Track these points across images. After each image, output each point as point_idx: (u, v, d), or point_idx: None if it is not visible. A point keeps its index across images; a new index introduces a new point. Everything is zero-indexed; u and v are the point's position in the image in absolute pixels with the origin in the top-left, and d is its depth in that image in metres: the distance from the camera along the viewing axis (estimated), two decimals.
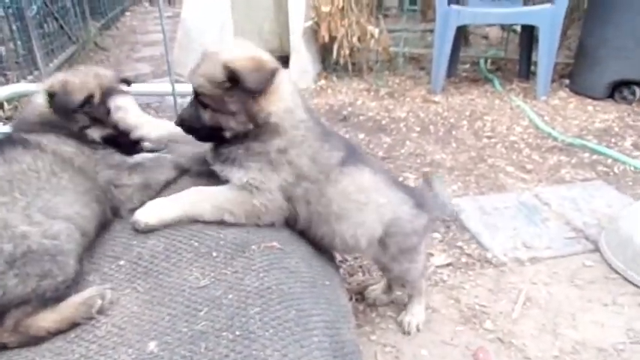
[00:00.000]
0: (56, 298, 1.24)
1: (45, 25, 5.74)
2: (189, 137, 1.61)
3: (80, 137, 1.60)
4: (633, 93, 4.38)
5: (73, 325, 1.21)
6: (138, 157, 1.71)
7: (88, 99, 1.60)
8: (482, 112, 4.41)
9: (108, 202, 1.56)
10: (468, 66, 5.63)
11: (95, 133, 1.63)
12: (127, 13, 10.89)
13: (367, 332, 2.02)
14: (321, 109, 4.51)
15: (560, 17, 4.33)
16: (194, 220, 1.49)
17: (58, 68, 5.14)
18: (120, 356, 1.13)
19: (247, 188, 1.50)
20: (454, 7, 4.50)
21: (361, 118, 4.35)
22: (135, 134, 1.69)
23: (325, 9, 4.82)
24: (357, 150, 1.78)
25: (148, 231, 1.46)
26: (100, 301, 1.24)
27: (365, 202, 1.67)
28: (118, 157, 1.65)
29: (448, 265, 2.46)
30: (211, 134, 1.54)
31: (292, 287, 1.34)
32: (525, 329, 2.05)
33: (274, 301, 1.26)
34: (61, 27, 6.29)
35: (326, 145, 1.60)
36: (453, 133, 4.01)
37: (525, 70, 5.10)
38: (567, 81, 4.88)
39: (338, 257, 2.14)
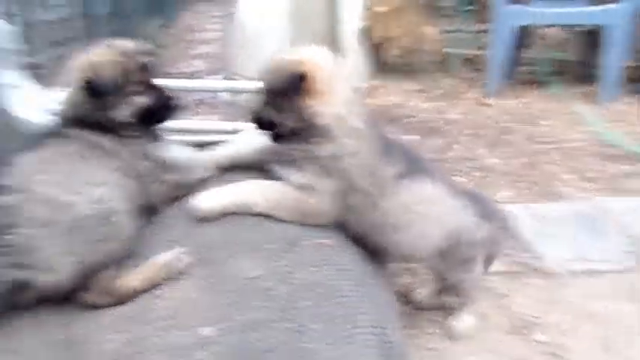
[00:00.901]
0: (128, 256, 1.37)
1: (111, 24, 6.08)
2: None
3: (113, 130, 1.59)
4: None
5: (155, 286, 1.33)
6: (173, 154, 1.74)
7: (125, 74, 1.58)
8: (538, 116, 4.24)
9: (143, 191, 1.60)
10: (525, 68, 5.41)
11: (125, 112, 1.58)
12: (186, 12, 11.31)
13: (412, 335, 2.01)
14: (372, 109, 4.50)
15: (629, 18, 4.08)
16: (248, 212, 1.55)
17: None
18: (176, 338, 1.20)
19: (305, 188, 1.54)
20: (513, 6, 4.35)
21: (412, 119, 4.30)
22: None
23: (380, 9, 4.80)
24: (419, 159, 1.77)
25: (204, 218, 1.53)
26: (178, 263, 1.35)
27: (425, 214, 1.66)
28: (154, 152, 1.67)
29: (498, 272, 2.39)
30: (274, 130, 1.63)
31: (342, 284, 1.36)
32: (579, 344, 1.96)
33: (324, 296, 1.29)
34: (125, 26, 6.64)
35: (383, 159, 1.60)
36: (507, 137, 3.88)
37: (588, 74, 4.83)
38: (634, 86, 4.58)
39: None
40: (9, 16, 3.57)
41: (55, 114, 1.66)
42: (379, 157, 1.61)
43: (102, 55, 1.58)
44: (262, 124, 1.65)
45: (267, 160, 1.67)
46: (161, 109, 1.67)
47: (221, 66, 5.95)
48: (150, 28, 7.57)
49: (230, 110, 4.52)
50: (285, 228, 1.53)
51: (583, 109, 4.24)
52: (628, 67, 4.72)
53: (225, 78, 5.12)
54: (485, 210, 1.82)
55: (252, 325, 1.20)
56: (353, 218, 1.61)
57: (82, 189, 1.36)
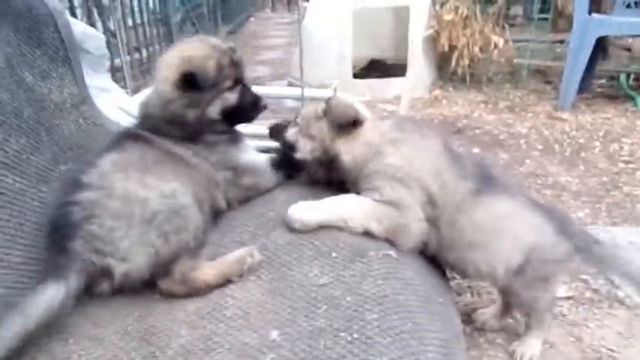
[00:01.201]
0: (199, 246, 1.46)
1: (183, 29, 6.42)
2: None
3: (194, 134, 1.61)
4: None
5: (228, 281, 1.38)
6: (251, 158, 1.77)
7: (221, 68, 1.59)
8: (619, 133, 3.95)
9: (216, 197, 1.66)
10: (604, 81, 5.07)
11: (216, 108, 1.60)
12: (252, 19, 11.70)
13: (475, 358, 1.92)
14: (434, 119, 4.40)
15: None
16: (342, 227, 1.54)
17: None
18: (245, 339, 1.22)
19: (391, 204, 1.54)
20: (596, 15, 4.09)
21: (477, 131, 4.16)
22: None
23: (448, 17, 4.70)
24: (493, 174, 1.73)
25: (298, 230, 1.52)
26: (250, 259, 1.39)
27: (502, 231, 1.62)
28: (233, 157, 1.69)
29: (569, 298, 2.23)
30: (283, 151, 1.78)
31: (408, 299, 1.33)
32: None
33: (391, 310, 1.26)
34: (197, 31, 6.98)
35: (454, 171, 1.60)
36: (582, 154, 3.65)
37: None
38: None
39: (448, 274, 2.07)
40: (91, 24, 3.86)
41: (135, 115, 1.73)
42: (448, 168, 1.60)
43: (198, 49, 1.58)
44: (288, 147, 1.75)
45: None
46: (249, 107, 1.68)
47: (285, 72, 6.09)
48: (218, 34, 7.90)
49: (294, 116, 4.61)
50: (351, 236, 1.52)
51: None
52: None
53: (289, 84, 5.23)
54: (565, 227, 1.72)
55: (318, 332, 1.20)
56: (433, 235, 1.60)
57: (155, 185, 1.43)
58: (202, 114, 1.58)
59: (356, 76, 5.09)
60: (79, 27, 2.07)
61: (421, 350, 1.18)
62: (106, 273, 1.35)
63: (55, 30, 1.91)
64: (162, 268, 1.37)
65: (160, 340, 1.24)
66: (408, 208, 1.54)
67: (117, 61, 3.95)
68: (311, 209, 1.54)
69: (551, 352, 1.94)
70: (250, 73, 6.61)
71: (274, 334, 1.22)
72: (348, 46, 4.89)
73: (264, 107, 1.72)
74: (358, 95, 4.01)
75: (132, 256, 1.35)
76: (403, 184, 1.55)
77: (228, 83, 1.61)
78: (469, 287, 2.34)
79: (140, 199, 1.39)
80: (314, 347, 1.16)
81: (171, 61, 1.58)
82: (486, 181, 1.62)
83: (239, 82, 1.65)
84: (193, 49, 1.59)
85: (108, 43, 3.76)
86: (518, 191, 1.78)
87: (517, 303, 1.87)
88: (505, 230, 1.62)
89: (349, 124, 1.64)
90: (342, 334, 1.19)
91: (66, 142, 1.78)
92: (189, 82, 1.53)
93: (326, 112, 1.66)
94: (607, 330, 2.05)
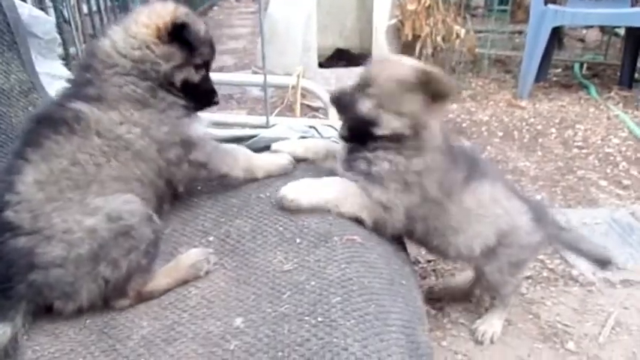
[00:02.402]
0: (153, 257, 1.33)
1: None
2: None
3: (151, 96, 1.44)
4: None
5: (185, 283, 1.35)
6: (207, 132, 1.60)
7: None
8: (573, 120, 4.11)
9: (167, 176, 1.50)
10: (560, 70, 5.26)
11: (180, 76, 1.49)
12: (215, 8, 11.44)
13: (438, 337, 1.98)
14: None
15: None
16: (331, 210, 1.52)
17: None
18: (209, 327, 1.21)
19: (381, 206, 1.53)
20: (551, 6, 4.23)
21: None
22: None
23: (411, 7, 4.74)
24: (478, 160, 1.78)
25: (287, 209, 1.50)
26: (206, 265, 1.36)
27: (484, 215, 1.68)
28: (184, 129, 1.50)
29: (527, 278, 2.32)
30: (356, 127, 1.56)
31: (372, 282, 1.34)
32: (613, 356, 1.89)
33: (355, 292, 1.27)
34: None
35: (452, 166, 1.61)
36: (540, 140, 3.78)
37: (627, 78, 4.67)
38: None
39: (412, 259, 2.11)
40: (43, 9, 3.67)
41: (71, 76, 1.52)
42: (450, 167, 1.61)
43: (189, 12, 1.53)
44: (363, 123, 1.54)
45: (345, 166, 1.61)
46: (203, 95, 1.59)
47: (249, 61, 6.00)
48: None
49: (258, 106, 4.56)
50: (315, 222, 1.51)
51: (622, 113, 4.09)
52: None
53: (253, 74, 5.15)
54: (540, 215, 1.82)
55: (282, 317, 1.20)
56: (418, 227, 1.63)
57: (100, 206, 1.27)
58: (176, 70, 1.47)
59: (322, 65, 5.07)
60: (25, 10, 1.96)
61: (385, 331, 1.20)
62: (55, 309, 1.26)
63: (0, 12, 1.80)
64: (114, 292, 1.28)
65: (120, 333, 1.21)
66: (394, 211, 1.55)
67: (72, 50, 3.78)
68: (304, 191, 1.50)
69: (510, 329, 2.02)
70: (214, 62, 6.48)
71: (238, 322, 1.21)
72: (313, 36, 4.86)
73: (216, 103, 1.63)
74: (324, 85, 4.00)
75: (80, 295, 1.25)
76: (408, 189, 1.55)
77: (199, 60, 1.53)
78: (433, 271, 2.40)
79: (85, 231, 1.23)
80: (278, 332, 1.16)
81: (162, 11, 1.47)
82: (473, 168, 1.66)
83: (207, 65, 1.59)
84: (185, 9, 1.52)
85: (61, 30, 3.59)
86: (500, 177, 1.85)
87: (486, 285, 1.93)
88: (486, 214, 1.68)
89: (440, 97, 1.51)
90: (306, 318, 1.19)
91: (14, 131, 1.69)
92: (178, 33, 1.44)
93: (424, 84, 1.48)
94: (562, 307, 2.15)
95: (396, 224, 1.58)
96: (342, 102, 1.58)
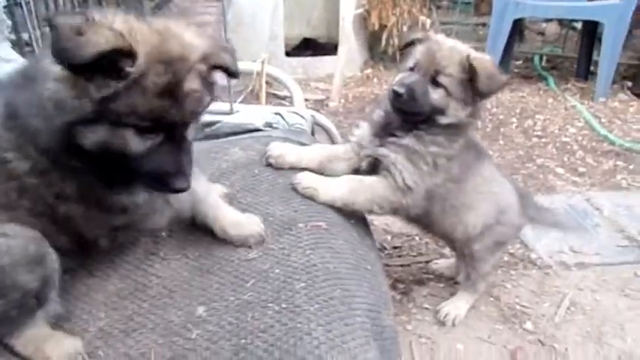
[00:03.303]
0: (29, 311, 1.07)
1: (104, 3, 5.94)
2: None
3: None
4: None
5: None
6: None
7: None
8: (533, 110, 4.24)
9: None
10: (521, 62, 5.41)
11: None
12: None
13: (403, 322, 2.01)
14: (366, 98, 4.47)
15: (628, 15, 4.08)
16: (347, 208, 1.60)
17: None
18: (170, 316, 1.18)
19: (404, 189, 1.60)
20: None
21: None
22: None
23: None
24: (476, 141, 1.85)
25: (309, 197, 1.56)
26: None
27: (488, 192, 1.78)
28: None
29: None
30: (421, 113, 1.59)
31: (337, 267, 1.34)
32: (568, 335, 1.98)
33: (320, 278, 1.27)
34: (118, 5, 6.50)
35: (468, 147, 1.69)
36: (502, 130, 3.89)
37: (584, 70, 4.85)
38: (629, 83, 4.61)
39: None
40: None
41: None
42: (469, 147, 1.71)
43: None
44: (414, 104, 1.58)
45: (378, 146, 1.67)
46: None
47: None
48: (143, 9, 7.42)
49: (224, 94, 4.47)
50: (280, 210, 1.50)
51: (578, 104, 4.25)
52: (623, 64, 4.74)
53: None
54: (523, 197, 1.93)
55: (246, 305, 1.19)
56: (435, 206, 1.70)
57: None
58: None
59: (288, 54, 5.02)
60: None
61: (350, 315, 1.20)
62: None
63: None
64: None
65: (76, 325, 1.17)
66: (416, 193, 1.62)
67: (25, 36, 3.59)
68: (328, 187, 1.57)
69: (472, 312, 2.08)
70: None
71: (200, 310, 1.19)
72: (280, 25, 4.80)
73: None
74: (291, 74, 3.97)
75: None
76: (436, 172, 1.63)
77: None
78: (399, 257, 2.44)
79: None
80: (241, 320, 1.15)
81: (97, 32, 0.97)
82: (477, 148, 1.76)
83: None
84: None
85: (13, 13, 3.39)
86: (489, 156, 1.97)
87: (466, 262, 1.97)
88: (489, 191, 1.79)
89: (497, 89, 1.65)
90: (270, 304, 1.18)
91: None
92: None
93: (476, 76, 1.54)
94: (521, 289, 2.23)
95: (411, 208, 1.66)
96: (416, 92, 1.57)
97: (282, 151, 1.68)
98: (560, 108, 4.28)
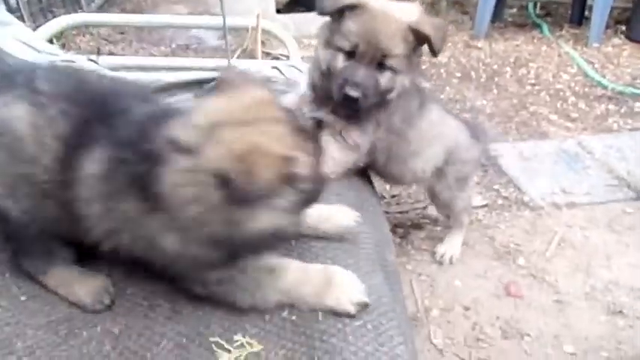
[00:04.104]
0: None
1: None
2: None
3: None
4: None
5: None
6: None
7: None
8: (527, 58, 4.24)
9: None
10: (515, 10, 5.34)
11: None
12: None
13: (403, 263, 2.12)
14: None
15: None
16: None
17: (100, 8, 5.19)
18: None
19: (353, 148, 1.58)
20: None
21: None
22: None
23: None
24: (421, 87, 1.82)
25: None
26: None
27: (435, 136, 1.79)
28: None
29: (484, 206, 2.50)
30: (375, 102, 1.51)
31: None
32: (558, 268, 2.11)
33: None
34: None
35: (409, 97, 1.64)
36: (495, 79, 3.90)
37: (578, 16, 4.81)
38: (623, 27, 4.59)
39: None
40: None
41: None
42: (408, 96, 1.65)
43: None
44: (367, 97, 1.47)
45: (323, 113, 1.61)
46: None
47: (203, 10, 5.74)
48: None
49: (217, 55, 4.43)
50: None
51: (572, 51, 4.26)
52: (617, 8, 4.70)
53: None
54: (476, 132, 1.98)
55: None
56: (380, 157, 1.71)
57: None
58: None
59: (279, 11, 4.93)
60: None
61: (354, 248, 1.30)
62: None
63: None
64: None
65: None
66: (362, 149, 1.62)
67: (12, 1, 3.53)
68: None
69: (468, 251, 2.19)
70: (166, 11, 6.16)
71: None
72: None
73: None
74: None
75: None
76: (376, 128, 1.61)
77: None
78: (397, 204, 2.53)
79: None
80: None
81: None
82: (422, 96, 1.72)
83: None
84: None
85: None
86: (437, 100, 2.00)
87: (439, 204, 2.07)
88: (436, 135, 1.80)
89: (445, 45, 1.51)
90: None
91: None
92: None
93: (429, 42, 1.43)
94: (515, 229, 2.34)
95: (358, 162, 1.67)
96: (369, 90, 1.45)
97: None
98: (553, 55, 4.27)
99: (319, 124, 1.62)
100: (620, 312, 1.90)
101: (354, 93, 1.42)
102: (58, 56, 1.95)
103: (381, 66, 1.45)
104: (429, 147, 1.79)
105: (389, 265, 1.44)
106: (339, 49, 1.46)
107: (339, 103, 1.50)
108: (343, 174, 1.62)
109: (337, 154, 1.57)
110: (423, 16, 1.48)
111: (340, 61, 1.47)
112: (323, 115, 1.59)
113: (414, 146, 1.73)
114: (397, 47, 1.43)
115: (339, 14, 1.46)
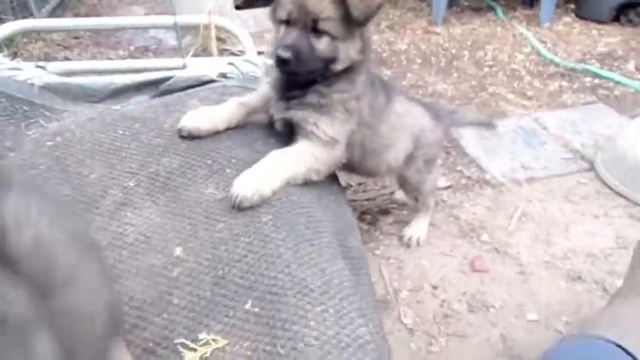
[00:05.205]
0: None
1: None
2: None
3: None
4: (639, 15, 4.28)
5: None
6: None
7: None
8: (484, 41, 4.34)
9: None
10: None
11: None
12: None
13: (372, 248, 2.16)
14: None
15: None
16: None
17: (51, 13, 5.03)
18: (150, 260, 1.26)
19: (331, 143, 1.55)
20: None
21: None
22: None
23: None
24: (382, 79, 1.87)
25: (250, 206, 1.37)
26: None
27: (402, 128, 1.84)
28: None
29: (448, 187, 2.56)
30: (314, 70, 1.49)
31: (301, 198, 1.45)
32: (520, 240, 2.19)
33: (285, 209, 1.37)
34: None
35: (377, 91, 1.69)
36: (455, 63, 3.98)
37: None
38: (572, 6, 4.75)
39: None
40: None
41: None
42: (374, 89, 1.69)
43: None
44: (305, 62, 1.45)
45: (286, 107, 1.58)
46: None
47: (161, 11, 5.64)
48: None
49: (177, 55, 4.36)
50: (243, 152, 1.57)
51: (525, 31, 4.38)
52: None
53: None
54: (437, 113, 2.05)
55: (219, 240, 1.28)
56: (356, 152, 1.71)
57: None
58: None
59: (238, 7, 4.89)
60: None
61: (315, 237, 1.32)
62: None
63: None
64: None
65: None
66: (341, 144, 1.59)
67: None
68: (255, 184, 1.38)
69: (434, 231, 2.25)
70: (123, 14, 6.02)
71: (178, 251, 1.28)
72: None
73: None
74: (242, 27, 3.89)
75: None
76: (349, 117, 1.59)
77: None
78: (364, 192, 2.57)
79: None
80: (216, 254, 1.24)
81: None
82: (386, 89, 1.78)
83: None
84: None
85: None
86: (399, 90, 2.04)
87: (409, 189, 2.12)
88: (405, 125, 1.86)
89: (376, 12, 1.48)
90: (241, 238, 1.28)
91: None
92: None
93: (348, 5, 1.41)
94: (478, 207, 2.42)
95: (340, 158, 1.63)
96: (301, 51, 1.43)
97: (196, 124, 1.60)
98: (508, 36, 4.39)
99: (289, 126, 1.60)
100: (579, 277, 1.99)
101: (284, 54, 1.43)
102: (4, 65, 1.90)
103: (316, 31, 1.46)
104: (400, 138, 1.85)
105: (353, 250, 1.47)
106: (280, 22, 1.50)
107: (280, 72, 1.53)
108: (327, 173, 1.62)
109: (317, 152, 1.54)
110: None
111: (281, 33, 1.50)
112: (292, 114, 1.57)
113: (386, 140, 1.79)
114: (326, 9, 1.43)
115: None
